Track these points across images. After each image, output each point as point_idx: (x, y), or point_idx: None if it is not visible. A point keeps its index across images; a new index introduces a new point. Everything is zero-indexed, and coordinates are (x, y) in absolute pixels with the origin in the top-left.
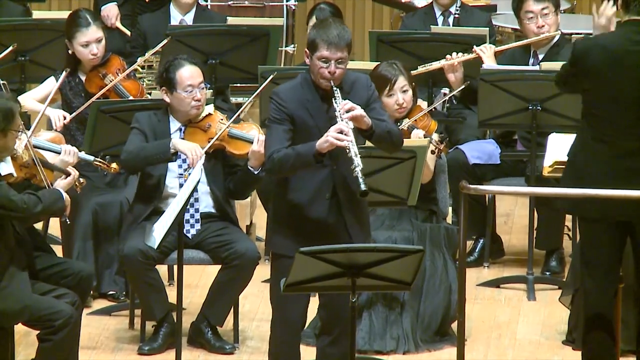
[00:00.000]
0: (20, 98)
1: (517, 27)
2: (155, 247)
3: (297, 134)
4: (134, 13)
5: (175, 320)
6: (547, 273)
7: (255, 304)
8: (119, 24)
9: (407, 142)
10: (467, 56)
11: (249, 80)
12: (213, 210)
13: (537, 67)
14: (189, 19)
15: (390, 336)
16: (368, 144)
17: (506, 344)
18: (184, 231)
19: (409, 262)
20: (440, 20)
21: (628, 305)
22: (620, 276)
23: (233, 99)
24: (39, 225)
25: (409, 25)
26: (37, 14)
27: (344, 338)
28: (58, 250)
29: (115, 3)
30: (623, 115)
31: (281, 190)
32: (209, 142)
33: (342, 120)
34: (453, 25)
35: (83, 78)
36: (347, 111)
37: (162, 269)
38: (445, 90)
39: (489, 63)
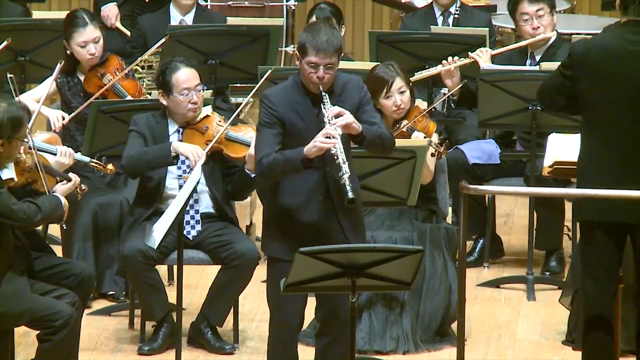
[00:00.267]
0: (20, 97)
1: None
2: (155, 247)
3: (287, 137)
4: (133, 13)
5: (175, 321)
6: (547, 273)
7: (255, 304)
8: (118, 24)
9: (406, 142)
10: (463, 61)
11: (249, 81)
12: (212, 211)
13: (536, 68)
14: (188, 19)
15: (390, 336)
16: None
17: (506, 344)
18: (185, 232)
19: (408, 262)
20: (440, 20)
21: (628, 305)
22: (620, 276)
23: (233, 99)
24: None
25: (408, 26)
26: (36, 14)
27: (342, 338)
28: (58, 250)
29: (115, 3)
30: (623, 116)
31: (274, 193)
32: (207, 144)
33: (330, 125)
34: (453, 26)
35: (82, 78)
36: (336, 117)
37: (162, 269)
38: (445, 90)
39: (485, 66)
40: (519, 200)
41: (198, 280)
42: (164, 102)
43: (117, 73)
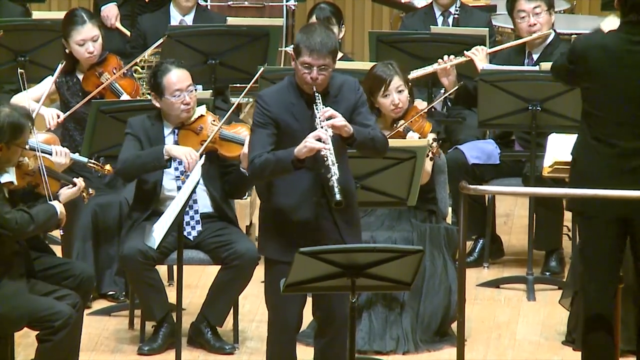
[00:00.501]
0: (16, 97)
1: None
2: (155, 247)
3: (281, 137)
4: (133, 13)
5: (175, 321)
6: (547, 273)
7: (255, 304)
8: (118, 24)
9: (406, 143)
10: (458, 59)
11: (249, 81)
12: (211, 211)
13: (536, 68)
14: (189, 19)
15: (390, 336)
16: None
17: (506, 344)
18: (185, 233)
19: (408, 263)
20: (440, 20)
21: (627, 305)
22: (620, 276)
23: (233, 99)
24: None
25: (408, 26)
26: (36, 15)
27: (339, 339)
28: (57, 250)
29: (115, 3)
30: (623, 115)
31: (269, 194)
32: (202, 145)
33: (321, 127)
34: (453, 26)
35: (80, 77)
36: (328, 119)
37: (162, 269)
38: (443, 90)
39: (482, 65)
40: (519, 200)
41: (198, 280)
42: (157, 105)
43: (115, 72)
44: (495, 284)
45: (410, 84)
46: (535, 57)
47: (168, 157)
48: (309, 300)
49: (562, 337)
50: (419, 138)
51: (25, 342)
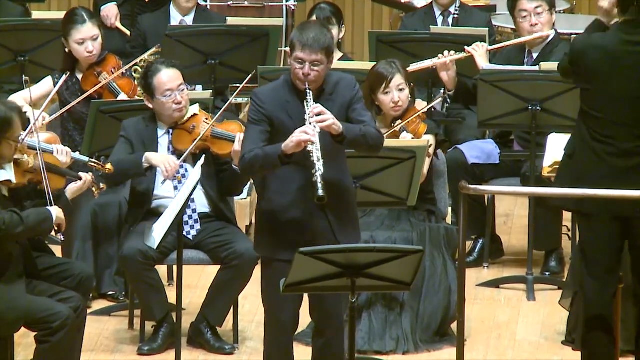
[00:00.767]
0: (11, 97)
1: None
2: (155, 247)
3: (276, 135)
4: (133, 13)
5: (174, 321)
6: (547, 273)
7: (255, 304)
8: (118, 24)
9: (406, 143)
10: (459, 55)
11: (249, 81)
12: (209, 210)
13: (536, 68)
14: (189, 19)
15: (390, 336)
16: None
17: (506, 344)
18: (185, 233)
19: (408, 263)
20: (439, 20)
21: (627, 305)
22: (620, 276)
23: (233, 100)
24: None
25: (408, 26)
26: (36, 15)
27: (337, 340)
28: (57, 250)
29: (115, 3)
30: (621, 115)
31: (264, 193)
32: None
33: (310, 123)
34: (452, 26)
35: (80, 77)
36: (317, 115)
37: (162, 270)
38: (443, 90)
39: (481, 61)
40: (519, 200)
41: (198, 280)
42: (150, 105)
43: (114, 72)
44: (495, 284)
45: (412, 84)
46: (535, 55)
47: (148, 165)
48: (307, 300)
49: (562, 337)
50: (412, 139)
51: (26, 342)
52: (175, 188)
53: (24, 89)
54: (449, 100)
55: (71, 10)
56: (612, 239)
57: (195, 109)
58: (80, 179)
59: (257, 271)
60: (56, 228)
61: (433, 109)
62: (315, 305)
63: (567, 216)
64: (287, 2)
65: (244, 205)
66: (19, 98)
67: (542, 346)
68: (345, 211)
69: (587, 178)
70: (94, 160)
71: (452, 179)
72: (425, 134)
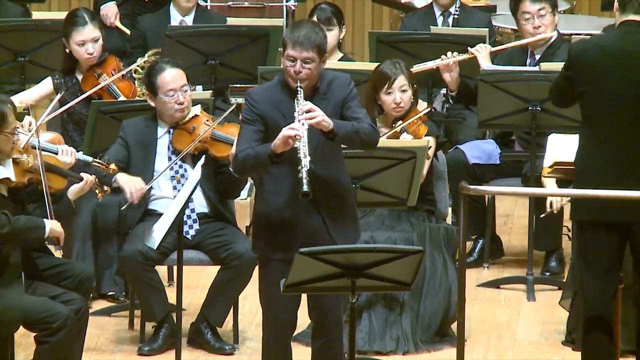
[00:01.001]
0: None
1: (517, 27)
2: (155, 247)
3: (270, 134)
4: (133, 13)
5: (175, 321)
6: (547, 273)
7: (255, 304)
8: (118, 23)
9: (406, 143)
10: (462, 56)
11: (249, 81)
12: (207, 211)
13: (536, 68)
14: (189, 19)
15: (390, 337)
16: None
17: (506, 344)
18: (183, 233)
19: (408, 263)
20: (440, 20)
21: (627, 305)
22: (620, 276)
23: (233, 100)
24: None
25: (408, 26)
26: (36, 15)
27: (335, 341)
28: (57, 251)
29: (114, 2)
30: (621, 116)
31: (260, 192)
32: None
33: (299, 120)
34: (453, 26)
35: (80, 78)
36: (306, 112)
37: (162, 270)
38: (445, 90)
39: (484, 63)
40: (519, 201)
41: (198, 280)
42: (152, 104)
43: (114, 74)
44: (495, 284)
45: (415, 85)
46: (537, 57)
47: (116, 186)
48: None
49: (562, 337)
50: (412, 139)
51: (26, 341)
52: (174, 188)
53: (23, 89)
54: (451, 101)
55: (73, 12)
56: (613, 242)
57: (197, 110)
58: (82, 179)
59: (257, 271)
60: (55, 241)
61: (433, 109)
62: (313, 305)
63: (567, 216)
64: (287, 2)
65: (244, 205)
66: (17, 100)
67: (542, 346)
68: (341, 210)
69: (587, 180)
70: (98, 160)
71: (453, 179)
72: (425, 135)
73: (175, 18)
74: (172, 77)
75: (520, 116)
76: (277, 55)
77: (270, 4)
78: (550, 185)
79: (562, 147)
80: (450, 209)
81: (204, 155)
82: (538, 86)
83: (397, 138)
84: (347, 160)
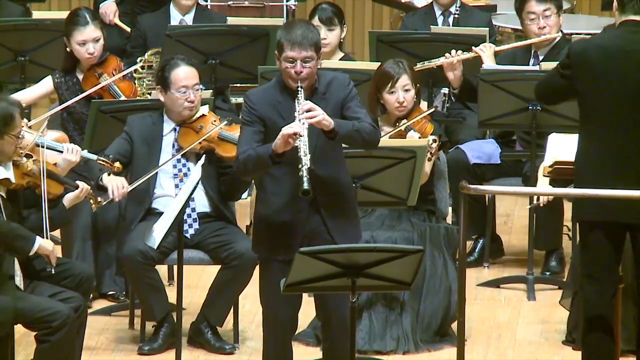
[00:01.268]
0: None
1: (517, 27)
2: (155, 247)
3: (270, 135)
4: (133, 12)
5: (175, 321)
6: (547, 273)
7: (255, 304)
8: (117, 20)
9: (406, 143)
10: (466, 55)
11: (249, 81)
12: (209, 210)
13: (537, 67)
14: (188, 19)
15: (390, 336)
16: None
17: (506, 344)
18: (182, 231)
19: (408, 262)
20: (440, 20)
21: (627, 305)
22: (620, 276)
23: (233, 99)
24: None
25: (408, 25)
26: (36, 14)
27: (342, 341)
28: (57, 250)
29: (114, 0)
30: (621, 115)
31: (261, 193)
32: (200, 143)
33: (299, 120)
34: (453, 25)
35: (80, 77)
36: (307, 111)
37: (162, 269)
38: (445, 90)
39: (489, 62)
40: (519, 200)
41: (198, 280)
42: (162, 99)
43: (115, 74)
44: (495, 284)
45: (418, 84)
46: (541, 57)
47: (101, 184)
48: (307, 299)
49: (562, 337)
50: (419, 138)
51: (26, 341)
52: (177, 186)
53: (24, 89)
54: (453, 99)
55: (74, 11)
56: (612, 241)
57: (204, 109)
58: (77, 187)
59: (257, 271)
60: (46, 260)
61: (434, 108)
62: (319, 305)
63: (567, 216)
64: (287, 2)
65: (244, 205)
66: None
67: (542, 346)
68: (341, 209)
69: (587, 180)
70: (102, 158)
71: (453, 179)
72: (430, 134)
73: (175, 17)
74: (185, 74)
75: (520, 116)
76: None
77: (270, 4)
78: (543, 183)
79: (562, 147)
80: (450, 209)
81: (204, 155)
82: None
83: (402, 137)
84: (347, 159)
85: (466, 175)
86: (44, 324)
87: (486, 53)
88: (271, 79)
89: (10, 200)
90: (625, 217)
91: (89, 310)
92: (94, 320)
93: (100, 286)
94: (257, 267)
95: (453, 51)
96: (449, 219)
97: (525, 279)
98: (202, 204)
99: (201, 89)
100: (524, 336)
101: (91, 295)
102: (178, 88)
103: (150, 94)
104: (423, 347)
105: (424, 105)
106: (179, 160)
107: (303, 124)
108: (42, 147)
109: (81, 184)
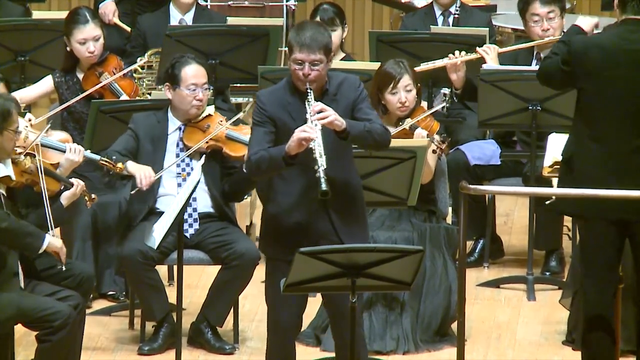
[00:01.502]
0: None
1: (517, 27)
2: (155, 247)
3: (280, 136)
4: (133, 12)
5: (175, 321)
6: (547, 273)
7: (255, 304)
8: (116, 20)
9: (407, 142)
10: (470, 56)
11: (249, 81)
12: (212, 210)
13: (537, 67)
14: (188, 18)
15: (390, 336)
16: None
17: (506, 344)
18: (182, 231)
19: (408, 263)
20: (440, 20)
21: (627, 305)
22: (620, 276)
23: (233, 99)
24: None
25: (408, 25)
26: (36, 14)
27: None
28: None
29: (113, 0)
30: (620, 115)
31: (270, 193)
32: (207, 142)
33: (311, 122)
34: (453, 25)
35: (81, 77)
36: (318, 113)
37: (162, 269)
38: (445, 90)
39: (492, 64)
40: (519, 201)
41: (198, 280)
42: (169, 96)
43: (115, 72)
44: (495, 284)
45: (419, 84)
46: (543, 57)
47: (127, 174)
48: (310, 299)
49: (562, 337)
50: (428, 136)
51: (26, 341)
52: (179, 185)
53: (23, 88)
54: (455, 99)
55: (74, 10)
56: (612, 241)
57: (210, 109)
58: (72, 185)
59: (258, 271)
60: (56, 257)
61: (443, 105)
62: (327, 303)
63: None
64: (287, 2)
65: (244, 205)
66: (17, 98)
67: (542, 346)
68: (350, 211)
69: (584, 179)
70: (105, 158)
71: (454, 180)
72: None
73: (175, 17)
74: (195, 72)
75: (520, 116)
76: (277, 55)
77: (270, 4)
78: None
79: (562, 147)
80: (450, 209)
81: (203, 156)
82: (538, 86)
83: (407, 136)
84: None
85: (466, 176)
86: (45, 324)
87: (490, 55)
88: (271, 79)
89: (9, 198)
90: (624, 216)
91: (89, 311)
92: (94, 320)
93: (100, 286)
94: (258, 267)
95: (457, 52)
96: (449, 219)
97: (525, 279)
98: (204, 204)
99: (209, 89)
100: (524, 336)
101: (91, 296)
102: (188, 85)
103: (150, 94)
104: (423, 347)
105: (423, 105)
106: (182, 160)
107: (315, 125)
108: (43, 145)
109: (76, 181)
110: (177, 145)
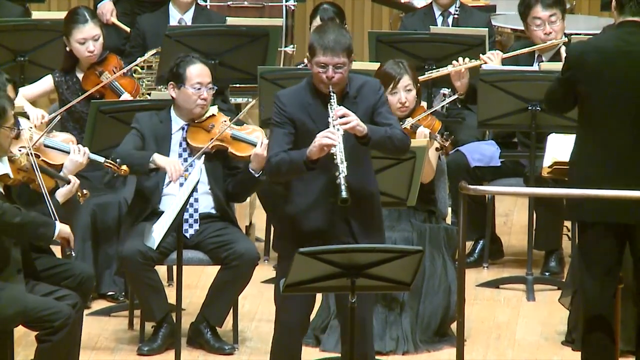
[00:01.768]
0: None
1: (517, 27)
2: (155, 247)
3: (299, 137)
4: (132, 12)
5: (174, 321)
6: (547, 273)
7: (255, 304)
8: (114, 20)
9: (413, 142)
10: (474, 63)
11: (248, 81)
12: (213, 211)
13: (536, 68)
14: (187, 18)
15: (390, 337)
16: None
17: (505, 344)
18: (182, 231)
19: (408, 263)
20: (439, 20)
21: (627, 305)
22: (620, 276)
23: (232, 100)
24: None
25: (408, 26)
26: (36, 15)
27: (363, 342)
28: (57, 251)
29: (111, 0)
30: (620, 116)
31: (287, 193)
32: (211, 142)
33: (333, 126)
34: (452, 26)
35: (80, 76)
36: (341, 117)
37: (162, 270)
38: (445, 90)
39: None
40: (519, 201)
41: (198, 280)
42: (173, 95)
43: (115, 72)
44: (494, 284)
45: (419, 84)
46: (545, 60)
47: (154, 167)
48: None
49: (562, 337)
50: (430, 135)
51: (26, 341)
52: (181, 185)
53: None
54: (459, 105)
55: (73, 10)
56: (612, 243)
57: (214, 109)
58: (69, 182)
59: (257, 272)
60: (66, 244)
61: (433, 106)
62: (340, 307)
63: None
64: (287, 2)
65: (244, 205)
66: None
67: (542, 346)
68: (367, 216)
69: (589, 182)
70: (110, 160)
71: (453, 182)
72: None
73: (174, 17)
74: (200, 71)
75: (520, 116)
76: (277, 55)
77: (269, 4)
78: None
79: (562, 147)
80: (450, 209)
81: (203, 156)
82: (538, 86)
83: (413, 136)
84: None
85: (466, 177)
86: (45, 324)
87: (494, 61)
88: (270, 79)
89: (7, 196)
90: (625, 218)
91: (89, 311)
92: (94, 321)
93: (99, 286)
94: (257, 268)
95: (460, 59)
96: (449, 219)
97: (524, 280)
98: (206, 204)
99: (214, 88)
100: (524, 336)
101: (91, 296)
102: (193, 84)
103: (150, 94)
104: (422, 347)
105: (423, 105)
106: (185, 160)
107: (337, 130)
108: (48, 146)
109: (73, 178)
110: (181, 145)
